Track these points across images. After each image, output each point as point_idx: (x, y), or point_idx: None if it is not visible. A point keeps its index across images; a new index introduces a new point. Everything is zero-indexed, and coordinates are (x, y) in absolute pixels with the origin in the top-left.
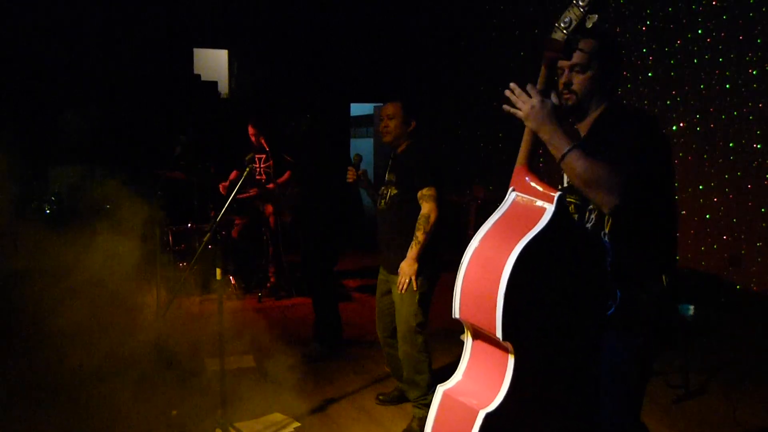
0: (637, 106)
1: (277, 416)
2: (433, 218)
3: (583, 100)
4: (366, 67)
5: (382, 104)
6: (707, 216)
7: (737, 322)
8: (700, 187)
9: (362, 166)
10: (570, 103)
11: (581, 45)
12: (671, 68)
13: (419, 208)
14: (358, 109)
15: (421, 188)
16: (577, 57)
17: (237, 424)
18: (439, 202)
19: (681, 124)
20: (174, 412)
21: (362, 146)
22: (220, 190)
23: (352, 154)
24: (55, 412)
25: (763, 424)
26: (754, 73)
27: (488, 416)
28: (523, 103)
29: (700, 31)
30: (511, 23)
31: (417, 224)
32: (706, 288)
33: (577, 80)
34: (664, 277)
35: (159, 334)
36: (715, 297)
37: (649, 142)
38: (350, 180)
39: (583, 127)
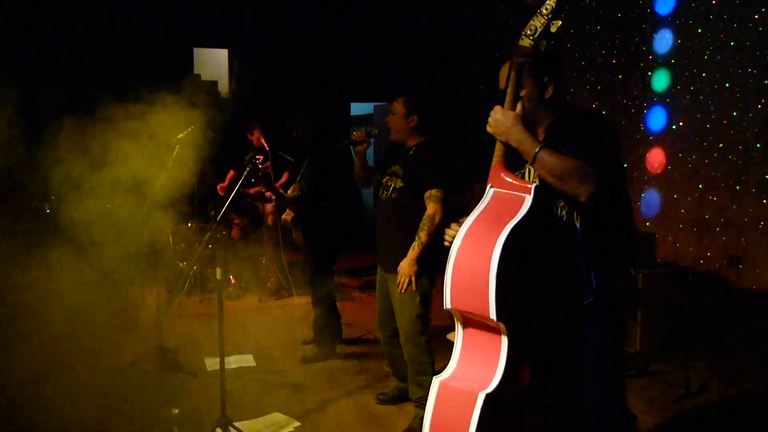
0: (586, 107)
1: (277, 416)
2: (437, 220)
3: (527, 114)
4: (366, 67)
5: (381, 104)
6: (707, 216)
7: (737, 321)
8: (700, 186)
9: (368, 160)
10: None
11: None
12: (670, 67)
13: (422, 206)
14: (358, 108)
15: (431, 188)
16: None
17: (237, 424)
18: (445, 204)
19: (681, 123)
20: (174, 412)
21: (370, 146)
22: (218, 191)
23: (353, 153)
24: (53, 410)
25: (764, 424)
26: (755, 72)
27: (488, 397)
28: (489, 120)
29: (699, 30)
30: (511, 23)
31: (421, 224)
32: (706, 288)
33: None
34: (630, 265)
35: (159, 333)
36: (715, 297)
37: (605, 137)
38: (356, 137)
39: (538, 136)
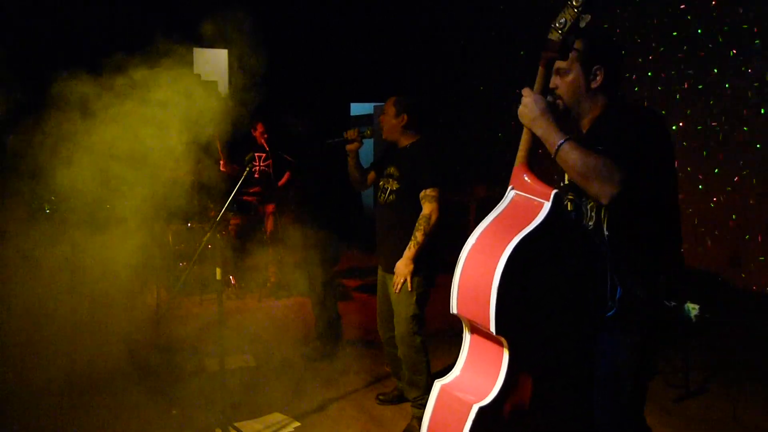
0: (641, 104)
1: (277, 416)
2: (434, 219)
3: (571, 102)
4: (366, 67)
5: (382, 104)
6: (707, 216)
7: (737, 321)
8: (700, 186)
9: (364, 161)
10: (561, 107)
11: None
12: (671, 66)
13: (419, 205)
14: (358, 108)
15: (426, 188)
16: (559, 61)
17: (237, 424)
18: (441, 203)
19: (681, 124)
20: (174, 412)
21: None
22: (223, 167)
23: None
24: (53, 412)
25: (764, 424)
26: (751, 72)
27: (481, 410)
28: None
29: (699, 31)
30: (510, 23)
31: (417, 224)
32: (706, 288)
33: (562, 84)
34: (662, 276)
35: (159, 334)
36: (715, 297)
37: (647, 136)
38: (348, 136)
39: (582, 128)
